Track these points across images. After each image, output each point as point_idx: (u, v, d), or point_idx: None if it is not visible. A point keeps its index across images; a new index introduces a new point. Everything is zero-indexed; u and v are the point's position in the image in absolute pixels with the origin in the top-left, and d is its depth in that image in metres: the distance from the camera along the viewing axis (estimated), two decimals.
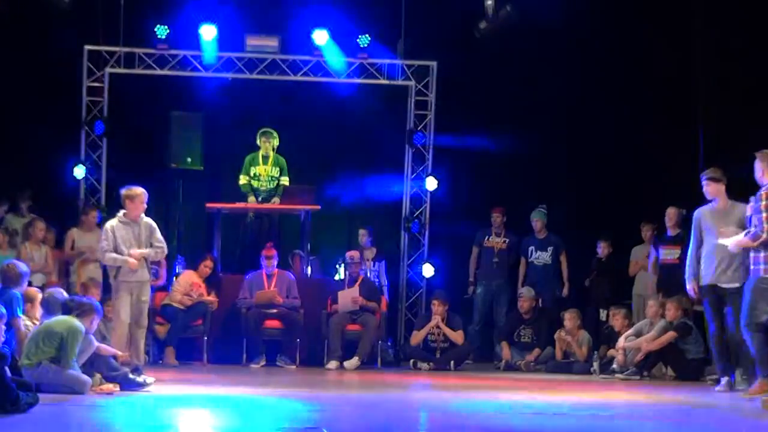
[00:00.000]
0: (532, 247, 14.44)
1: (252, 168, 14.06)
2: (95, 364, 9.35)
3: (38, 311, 9.69)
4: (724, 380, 10.67)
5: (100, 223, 13.90)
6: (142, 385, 9.47)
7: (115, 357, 9.71)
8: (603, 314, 13.79)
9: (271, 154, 14.08)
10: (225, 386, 10.18)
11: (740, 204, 10.51)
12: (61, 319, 9.15)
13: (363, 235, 14.71)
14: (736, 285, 10.28)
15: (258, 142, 14.08)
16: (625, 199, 14.74)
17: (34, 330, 9.23)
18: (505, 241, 14.50)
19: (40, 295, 9.85)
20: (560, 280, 14.43)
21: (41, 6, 13.86)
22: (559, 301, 14.27)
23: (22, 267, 9.79)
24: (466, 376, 12.68)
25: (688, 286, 10.69)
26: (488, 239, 14.53)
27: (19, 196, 13.86)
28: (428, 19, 14.74)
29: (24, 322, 9.50)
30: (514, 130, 15.06)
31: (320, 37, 14.55)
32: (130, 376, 9.48)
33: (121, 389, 9.30)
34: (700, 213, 10.64)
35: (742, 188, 10.66)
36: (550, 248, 14.40)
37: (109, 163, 14.58)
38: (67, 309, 9.27)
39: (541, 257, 14.42)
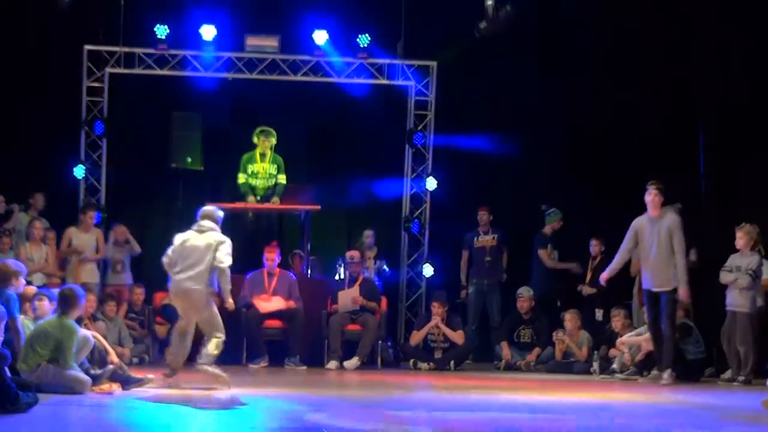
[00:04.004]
0: (549, 245, 14.45)
1: (249, 166, 14.04)
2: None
3: (47, 310, 9.62)
4: (666, 373, 11.42)
5: (99, 224, 13.93)
6: (139, 381, 9.48)
7: (107, 355, 9.67)
8: (599, 314, 13.78)
9: (269, 152, 14.06)
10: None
11: (670, 212, 11.55)
12: (52, 321, 9.11)
13: (368, 237, 14.72)
14: (667, 289, 11.41)
15: (255, 140, 14.04)
16: (623, 199, 14.74)
17: (29, 333, 9.18)
18: (494, 238, 14.51)
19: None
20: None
21: (41, 6, 13.86)
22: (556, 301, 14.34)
23: (17, 265, 9.71)
24: (466, 376, 12.68)
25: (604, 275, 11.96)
26: (477, 239, 14.54)
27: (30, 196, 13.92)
28: (428, 19, 14.74)
29: (23, 322, 9.47)
30: (514, 130, 15.08)
31: (320, 36, 14.57)
32: (119, 372, 9.49)
33: (111, 379, 9.32)
34: (639, 222, 11.65)
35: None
36: (557, 246, 14.49)
37: (109, 163, 14.58)
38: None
39: (556, 255, 14.47)
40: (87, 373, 9.23)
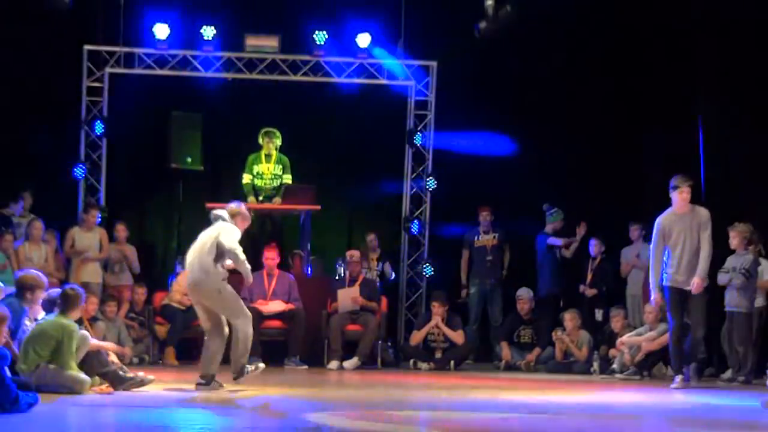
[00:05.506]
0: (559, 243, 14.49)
1: (255, 166, 14.06)
2: (87, 359, 9.30)
3: (39, 312, 9.62)
4: (678, 378, 11.03)
5: (99, 224, 13.92)
6: (132, 380, 9.45)
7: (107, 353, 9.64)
8: (599, 314, 13.79)
9: (274, 153, 14.08)
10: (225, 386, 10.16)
11: (698, 207, 11.05)
12: (52, 321, 9.09)
13: (372, 240, 14.70)
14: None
15: (260, 141, 14.07)
16: (623, 199, 14.78)
17: (28, 334, 9.16)
18: (495, 237, 14.51)
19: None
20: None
21: (41, 6, 13.86)
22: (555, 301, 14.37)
23: (37, 279, 9.49)
24: (466, 376, 12.69)
25: (653, 296, 11.09)
26: (478, 239, 14.54)
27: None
28: (428, 19, 14.74)
29: (24, 322, 9.45)
30: (514, 130, 15.07)
31: (321, 36, 14.56)
32: (120, 373, 9.46)
33: (110, 384, 9.28)
34: (667, 219, 11.01)
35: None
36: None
37: (109, 163, 14.57)
38: (55, 306, 9.23)
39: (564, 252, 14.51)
40: (119, 374, 9.28)
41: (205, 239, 9.84)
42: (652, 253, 11.12)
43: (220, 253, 9.69)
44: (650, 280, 11.21)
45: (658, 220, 11.10)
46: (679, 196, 10.96)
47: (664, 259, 11.02)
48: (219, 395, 9.36)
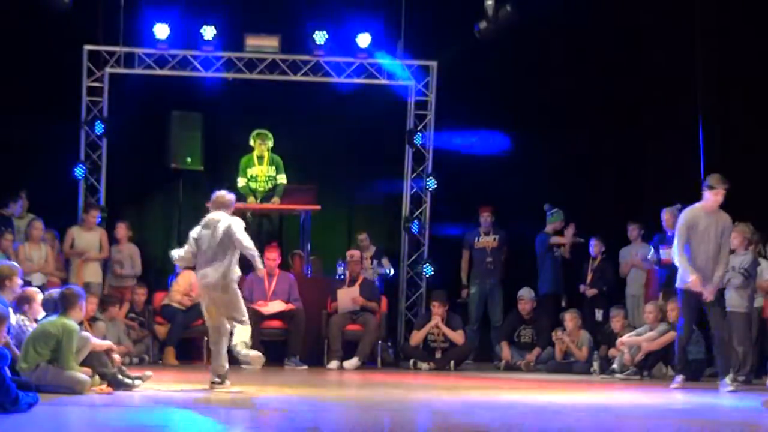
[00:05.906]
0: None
1: (248, 169, 14.03)
2: (87, 359, 9.29)
3: (39, 312, 9.62)
4: (678, 378, 11.04)
5: (99, 224, 13.92)
6: (130, 386, 9.43)
7: (108, 353, 9.63)
8: (599, 314, 13.79)
9: (266, 154, 14.04)
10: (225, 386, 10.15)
11: (722, 210, 10.79)
12: (53, 320, 9.11)
13: (364, 239, 14.70)
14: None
15: (252, 143, 14.04)
16: (622, 199, 14.77)
17: (29, 333, 9.17)
18: (495, 239, 14.51)
19: (39, 296, 9.79)
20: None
21: (41, 6, 13.86)
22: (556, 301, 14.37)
23: (8, 267, 9.59)
24: (466, 376, 12.69)
25: (691, 278, 10.67)
26: (478, 240, 14.53)
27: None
28: (428, 19, 14.74)
29: (24, 322, 9.46)
30: (514, 130, 15.08)
31: (320, 36, 14.56)
32: (119, 376, 9.46)
33: (109, 385, 9.28)
34: (694, 215, 10.77)
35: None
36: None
37: (109, 163, 14.57)
38: (56, 307, 9.24)
39: (559, 253, 14.51)
40: (117, 378, 9.30)
41: (216, 238, 9.76)
42: (677, 241, 10.80)
43: (234, 248, 9.72)
44: (680, 267, 10.81)
45: (684, 212, 10.88)
46: (714, 197, 10.71)
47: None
48: (219, 395, 9.37)
